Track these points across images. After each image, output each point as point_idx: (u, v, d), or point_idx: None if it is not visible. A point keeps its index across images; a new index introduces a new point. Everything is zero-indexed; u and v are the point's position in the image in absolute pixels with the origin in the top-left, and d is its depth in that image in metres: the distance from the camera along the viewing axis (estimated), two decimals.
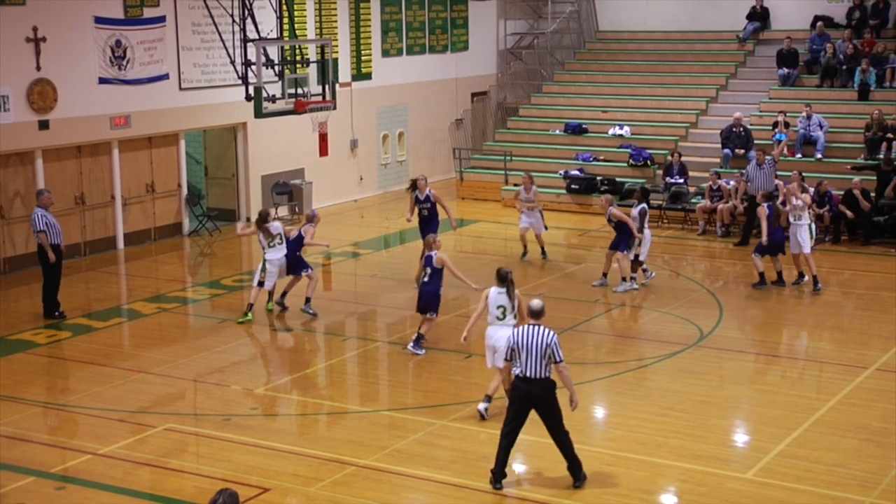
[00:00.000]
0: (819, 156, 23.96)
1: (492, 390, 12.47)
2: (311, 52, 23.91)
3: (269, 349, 16.41)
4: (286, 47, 21.98)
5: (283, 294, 17.26)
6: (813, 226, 18.39)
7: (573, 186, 25.33)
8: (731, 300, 17.81)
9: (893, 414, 12.69)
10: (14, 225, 20.04)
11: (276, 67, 20.57)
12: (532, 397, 10.51)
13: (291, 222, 22.34)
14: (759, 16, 28.53)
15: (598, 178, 25.32)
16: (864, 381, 13.80)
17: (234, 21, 20.31)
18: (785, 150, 23.07)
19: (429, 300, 14.88)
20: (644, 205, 18.28)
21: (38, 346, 15.78)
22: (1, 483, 10.98)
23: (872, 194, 21.68)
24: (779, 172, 21.28)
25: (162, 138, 22.64)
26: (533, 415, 10.63)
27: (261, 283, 16.84)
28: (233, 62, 20.07)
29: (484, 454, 11.21)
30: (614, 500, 10.51)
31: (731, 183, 22.65)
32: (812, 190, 20.61)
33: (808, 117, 24.26)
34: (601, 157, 26.27)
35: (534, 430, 10.88)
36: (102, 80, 21.12)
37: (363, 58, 26.89)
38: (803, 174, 20.32)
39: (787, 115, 24.61)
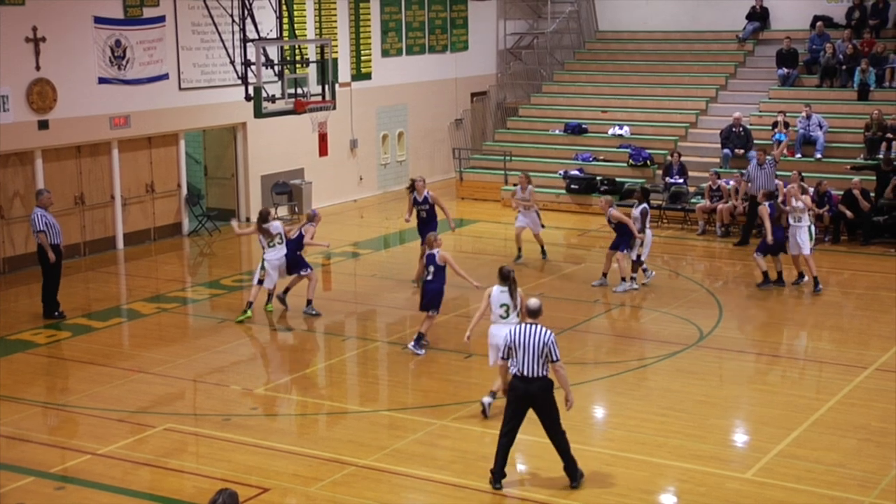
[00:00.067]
0: (819, 156, 23.97)
1: (496, 387, 12.47)
2: (311, 52, 23.92)
3: (269, 349, 16.41)
4: (286, 47, 21.98)
5: (286, 291, 17.29)
6: (812, 228, 18.39)
7: (573, 186, 25.33)
8: (730, 300, 17.81)
9: (893, 414, 12.69)
10: (14, 225, 20.04)
11: (276, 67, 20.57)
12: (530, 396, 10.51)
13: (291, 222, 22.32)
14: (759, 16, 28.53)
15: (598, 178, 25.32)
16: (863, 381, 13.81)
17: (233, 21, 20.31)
18: (785, 151, 23.06)
19: (433, 298, 14.89)
20: (645, 205, 18.28)
21: (37, 346, 15.78)
22: (1, 483, 10.98)
23: (872, 194, 21.68)
24: (778, 172, 21.27)
25: (162, 138, 22.65)
26: (532, 414, 10.63)
27: (260, 282, 16.85)
28: (232, 62, 20.07)
29: (484, 454, 11.21)
30: (614, 500, 10.51)
31: (731, 183, 22.66)
32: (812, 190, 20.60)
33: (808, 117, 24.27)
34: (601, 157, 26.27)
35: (533, 430, 10.88)
36: (102, 80, 21.12)
37: (363, 58, 26.89)
38: (803, 174, 20.31)
39: (787, 115, 24.61)
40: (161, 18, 22.12)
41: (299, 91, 20.28)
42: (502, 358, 10.75)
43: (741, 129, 24.47)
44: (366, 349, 15.88)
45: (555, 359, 10.46)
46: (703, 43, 29.44)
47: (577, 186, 25.28)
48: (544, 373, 10.49)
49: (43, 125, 20.19)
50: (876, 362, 14.52)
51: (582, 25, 31.22)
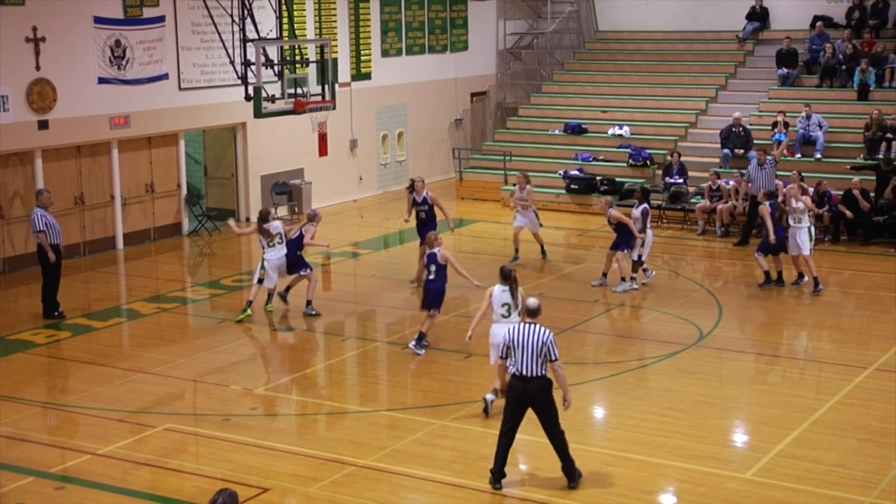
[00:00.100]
0: (818, 156, 23.96)
1: (498, 386, 12.47)
2: (311, 52, 23.92)
3: (269, 349, 16.41)
4: (286, 47, 21.98)
5: (287, 289, 17.32)
6: (812, 229, 18.37)
7: (573, 186, 25.33)
8: (730, 300, 17.81)
9: (893, 414, 12.69)
10: (13, 225, 20.04)
11: (276, 67, 20.56)
12: (529, 396, 10.51)
13: (291, 222, 22.32)
14: (759, 16, 28.53)
15: (598, 178, 25.32)
16: (863, 381, 13.81)
17: (233, 21, 20.31)
18: (785, 151, 23.05)
19: (436, 296, 14.90)
20: (646, 205, 18.28)
21: (37, 346, 15.78)
22: (1, 483, 10.99)
23: (872, 194, 21.68)
24: (778, 172, 21.27)
25: (161, 138, 22.65)
26: (531, 414, 10.63)
27: (260, 281, 16.86)
28: (232, 62, 20.06)
29: (483, 454, 11.21)
30: (613, 500, 10.51)
31: (731, 183, 22.66)
32: (811, 190, 20.60)
33: (808, 117, 24.26)
34: (601, 157, 26.27)
35: (533, 430, 10.88)
36: (102, 80, 21.12)
37: (363, 58, 26.89)
38: (803, 174, 20.30)
39: (787, 115, 24.61)
40: (161, 18, 22.12)
41: (299, 91, 20.28)
42: (501, 357, 10.76)
43: (741, 129, 24.47)
44: (366, 349, 15.88)
45: (553, 358, 10.47)
46: (702, 43, 29.44)
47: (576, 186, 25.29)
48: (543, 372, 10.49)
49: (43, 125, 20.19)
50: (876, 362, 14.52)
51: (582, 25, 31.21)
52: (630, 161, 25.58)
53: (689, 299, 17.79)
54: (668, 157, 24.62)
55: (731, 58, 28.54)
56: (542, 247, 20.35)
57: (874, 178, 22.17)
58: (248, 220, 23.90)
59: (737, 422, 12.94)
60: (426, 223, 18.50)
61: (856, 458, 11.40)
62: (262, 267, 16.79)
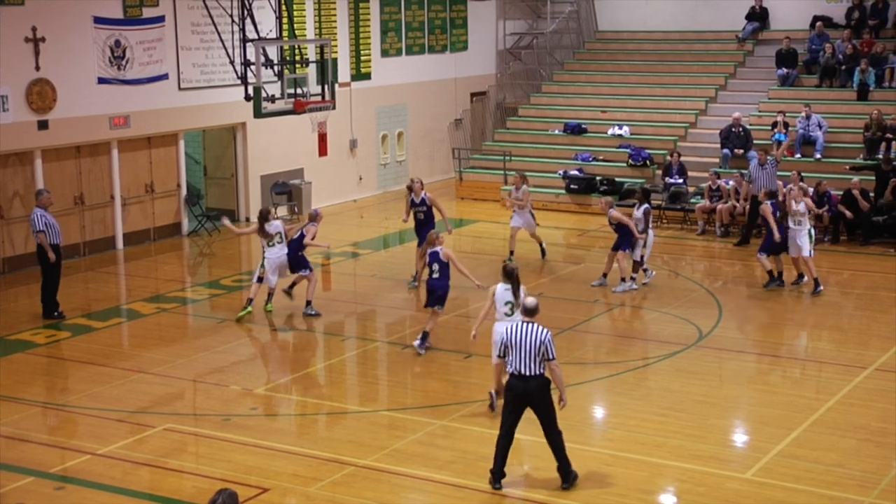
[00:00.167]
0: (818, 156, 23.97)
1: (496, 385, 12.46)
2: (311, 52, 23.92)
3: (269, 349, 16.41)
4: (285, 47, 21.98)
5: (291, 285, 17.35)
6: (813, 231, 18.36)
7: (572, 186, 25.33)
8: (730, 300, 17.81)
9: (892, 414, 12.69)
10: (13, 225, 20.04)
11: (276, 67, 20.56)
12: (527, 395, 10.51)
13: (290, 222, 22.32)
14: (759, 16, 28.53)
15: (598, 178, 25.32)
16: (863, 381, 13.81)
17: (233, 21, 20.31)
18: (785, 151, 23.04)
19: (440, 294, 14.87)
20: (647, 205, 18.29)
21: (37, 346, 15.78)
22: (1, 483, 10.98)
23: (871, 194, 21.68)
24: (779, 173, 21.26)
25: (161, 138, 22.65)
26: (531, 415, 10.63)
27: (260, 279, 16.86)
28: (232, 62, 20.06)
29: (483, 454, 11.21)
30: (613, 500, 10.51)
31: (731, 183, 22.66)
32: (811, 190, 20.60)
33: (808, 117, 24.26)
34: (600, 157, 26.27)
35: (532, 431, 10.88)
36: (102, 80, 21.12)
37: (362, 58, 26.89)
38: (802, 174, 20.29)
39: (787, 115, 24.61)
40: (161, 18, 22.12)
41: (299, 91, 20.28)
42: (498, 356, 10.74)
43: (741, 129, 24.47)
44: (365, 349, 15.88)
45: (550, 357, 10.47)
46: (702, 43, 29.44)
47: (576, 186, 25.29)
48: (541, 371, 10.49)
49: (42, 125, 20.19)
50: (875, 362, 14.52)
51: (581, 25, 31.21)
52: (630, 161, 25.58)
53: (689, 299, 17.79)
54: (668, 157, 24.63)
55: (730, 58, 28.54)
56: (541, 245, 20.33)
57: (874, 178, 22.17)
58: (247, 220, 23.91)
59: (737, 422, 12.94)
60: (424, 224, 18.48)
61: (855, 459, 11.40)
62: (263, 266, 16.81)
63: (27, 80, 19.87)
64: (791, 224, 18.00)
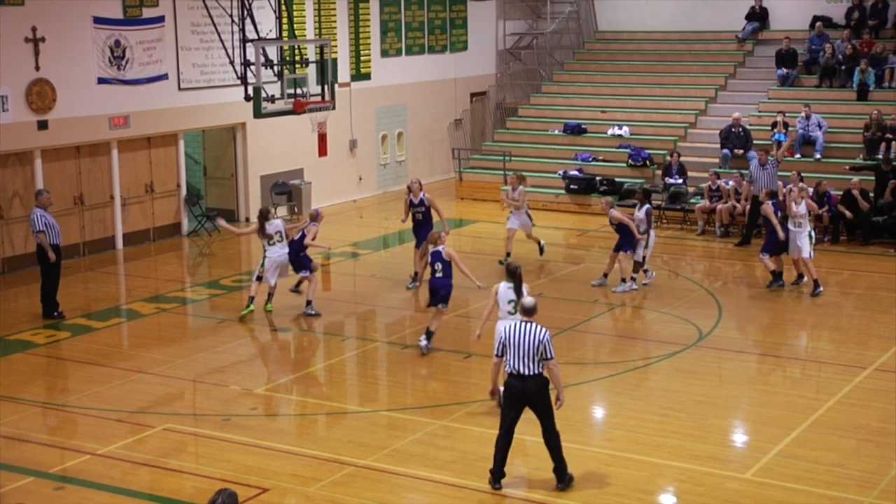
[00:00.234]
0: (818, 156, 23.97)
1: (492, 386, 12.45)
2: (311, 53, 23.92)
3: (269, 349, 16.41)
4: (285, 47, 21.97)
5: (298, 283, 17.42)
6: (813, 233, 18.36)
7: (572, 186, 25.33)
8: (730, 300, 17.82)
9: (892, 414, 12.69)
10: (13, 225, 20.04)
11: (276, 67, 20.57)
12: (526, 394, 10.50)
13: (291, 222, 22.32)
14: (758, 16, 28.54)
15: (598, 178, 25.32)
16: (862, 382, 13.81)
17: (233, 21, 20.31)
18: (785, 152, 23.03)
19: (446, 294, 14.83)
20: (648, 205, 18.30)
21: (37, 346, 15.78)
22: (0, 483, 10.98)
23: (871, 194, 21.68)
24: (779, 173, 21.25)
25: (161, 138, 22.65)
26: (531, 415, 10.63)
27: (259, 278, 16.87)
28: (232, 62, 20.07)
29: (483, 454, 11.20)
30: (613, 500, 10.51)
31: (731, 183, 22.66)
32: (811, 190, 20.59)
33: (807, 117, 24.27)
34: (600, 158, 26.27)
35: (532, 431, 10.87)
36: (101, 81, 21.12)
37: (362, 58, 26.89)
38: (802, 174, 20.28)
39: (786, 115, 24.61)
40: (160, 18, 22.12)
41: (299, 91, 20.28)
42: (497, 356, 10.73)
43: (740, 129, 24.47)
44: (365, 349, 15.88)
45: (549, 357, 10.46)
46: (702, 43, 29.44)
47: (576, 187, 25.29)
48: (540, 370, 10.48)
49: (42, 125, 20.19)
50: (875, 362, 14.52)
51: (581, 25, 31.21)
52: (629, 161, 25.58)
53: (689, 299, 17.79)
54: (668, 158, 24.63)
55: (730, 58, 28.54)
56: (538, 244, 20.28)
57: (873, 178, 22.17)
58: (247, 220, 23.91)
59: (736, 422, 12.94)
60: (423, 225, 18.47)
61: (855, 459, 11.40)
62: (262, 265, 16.82)
63: (27, 80, 19.87)
64: (791, 226, 17.98)
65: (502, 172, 26.55)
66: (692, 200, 23.47)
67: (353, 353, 15.69)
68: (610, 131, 26.93)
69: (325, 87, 20.35)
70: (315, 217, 17.39)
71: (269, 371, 15.23)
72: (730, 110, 25.60)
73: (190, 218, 23.39)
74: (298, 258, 16.95)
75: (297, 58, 22.78)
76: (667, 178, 24.10)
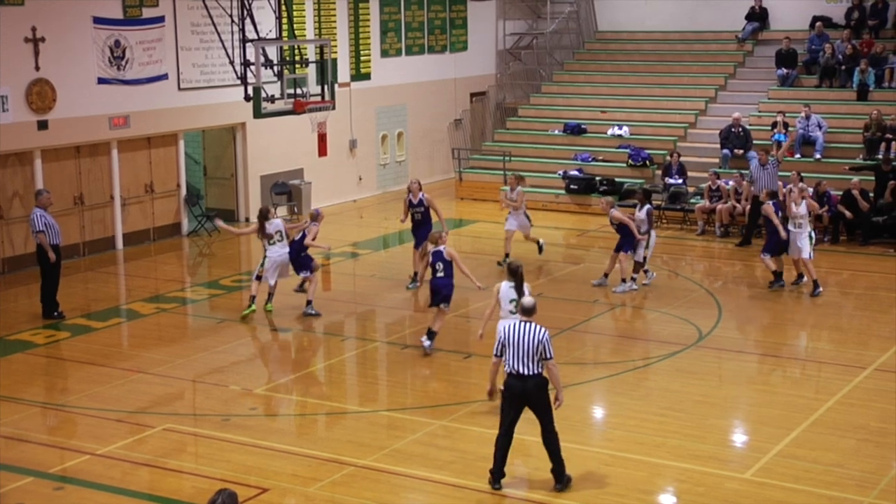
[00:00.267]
0: (818, 156, 23.97)
1: (490, 386, 12.44)
2: (311, 53, 23.92)
3: (269, 349, 16.41)
4: (285, 47, 21.97)
5: (302, 283, 17.42)
6: (813, 234, 18.36)
7: (572, 187, 25.33)
8: (729, 300, 17.81)
9: (892, 414, 12.70)
10: (13, 225, 20.04)
11: (275, 67, 20.57)
12: (525, 394, 10.49)
13: (290, 222, 22.32)
14: (758, 16, 28.54)
15: (597, 178, 25.33)
16: (862, 382, 13.81)
17: (232, 21, 20.31)
18: (786, 152, 23.02)
19: (447, 293, 14.83)
20: (649, 206, 18.30)
21: (36, 346, 15.78)
22: (0, 483, 10.98)
23: (871, 195, 21.69)
24: (779, 173, 21.25)
25: (161, 138, 22.65)
26: (530, 415, 10.63)
27: (259, 277, 16.87)
28: (232, 62, 20.07)
29: (483, 454, 11.20)
30: (612, 500, 10.51)
31: (731, 183, 22.66)
32: (811, 190, 20.59)
33: (807, 118, 24.27)
34: (600, 158, 26.27)
35: (532, 431, 10.87)
36: (101, 81, 21.12)
37: (362, 58, 26.89)
38: (802, 174, 20.29)
39: (786, 115, 24.61)
40: (160, 19, 22.12)
41: (298, 91, 20.28)
42: (496, 355, 10.72)
43: (740, 129, 24.47)
44: (365, 349, 15.88)
45: (548, 356, 10.46)
46: (702, 43, 29.44)
47: (576, 187, 25.29)
48: (539, 370, 10.48)
49: (42, 125, 20.19)
50: (875, 362, 14.52)
51: (581, 26, 31.21)
52: (629, 161, 25.58)
53: (689, 299, 17.79)
54: (668, 158, 24.63)
55: (730, 58, 28.54)
56: (538, 243, 20.24)
57: (873, 178, 22.17)
58: (247, 220, 23.91)
59: (736, 422, 12.94)
60: (422, 225, 18.47)
61: (855, 459, 11.40)
62: (262, 265, 16.82)
63: (27, 80, 19.87)
64: (791, 227, 17.97)
65: (502, 172, 26.54)
66: (692, 200, 23.47)
67: (353, 353, 15.69)
68: (610, 131, 26.94)
69: (325, 87, 20.35)
70: (315, 217, 17.39)
71: (269, 371, 15.23)
72: (730, 110, 25.60)
73: (190, 218, 23.39)
74: (299, 258, 16.95)
75: (297, 58, 22.78)
76: (667, 178, 24.10)
